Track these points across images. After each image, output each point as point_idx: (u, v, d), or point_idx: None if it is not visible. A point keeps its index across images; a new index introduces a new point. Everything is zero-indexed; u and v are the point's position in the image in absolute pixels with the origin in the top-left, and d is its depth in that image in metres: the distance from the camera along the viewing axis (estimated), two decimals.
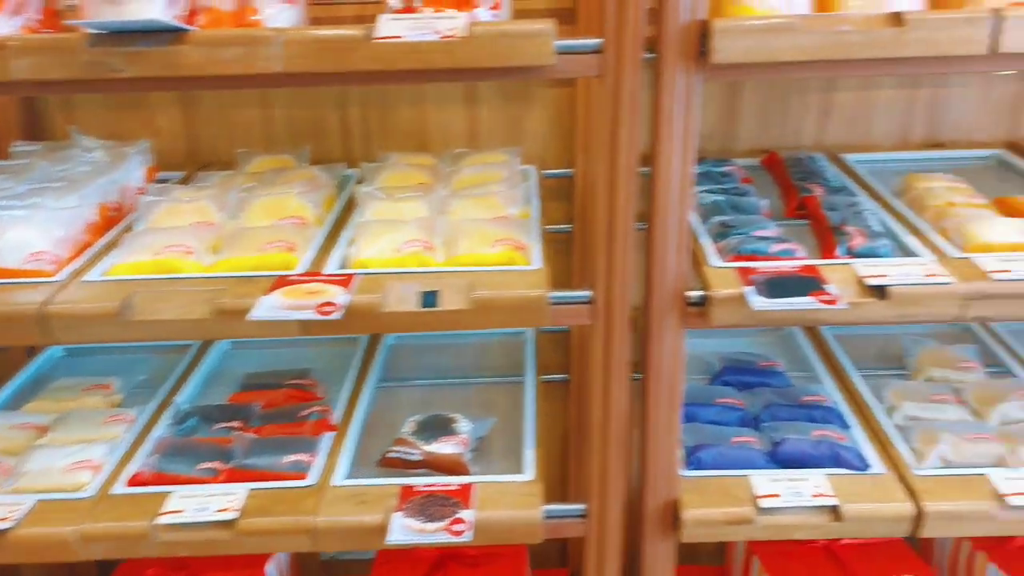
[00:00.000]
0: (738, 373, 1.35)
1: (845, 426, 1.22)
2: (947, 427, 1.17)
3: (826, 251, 1.07)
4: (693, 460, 1.14)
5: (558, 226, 1.50)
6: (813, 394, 1.27)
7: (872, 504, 1.07)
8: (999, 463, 1.12)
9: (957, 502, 1.06)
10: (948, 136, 1.48)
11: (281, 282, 0.98)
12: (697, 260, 1.07)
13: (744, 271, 1.01)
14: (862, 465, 1.13)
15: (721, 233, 1.11)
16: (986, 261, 1.00)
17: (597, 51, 0.91)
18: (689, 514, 1.08)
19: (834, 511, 1.07)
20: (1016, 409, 1.22)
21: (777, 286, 0.97)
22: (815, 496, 1.08)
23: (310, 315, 0.93)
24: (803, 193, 1.23)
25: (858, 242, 1.05)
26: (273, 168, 1.31)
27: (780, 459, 1.15)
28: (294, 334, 0.97)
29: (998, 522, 1.06)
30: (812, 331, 1.49)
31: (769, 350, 1.47)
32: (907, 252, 1.07)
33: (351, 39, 0.87)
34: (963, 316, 0.98)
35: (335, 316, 0.93)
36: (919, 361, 1.37)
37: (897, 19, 0.88)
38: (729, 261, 1.05)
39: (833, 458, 1.13)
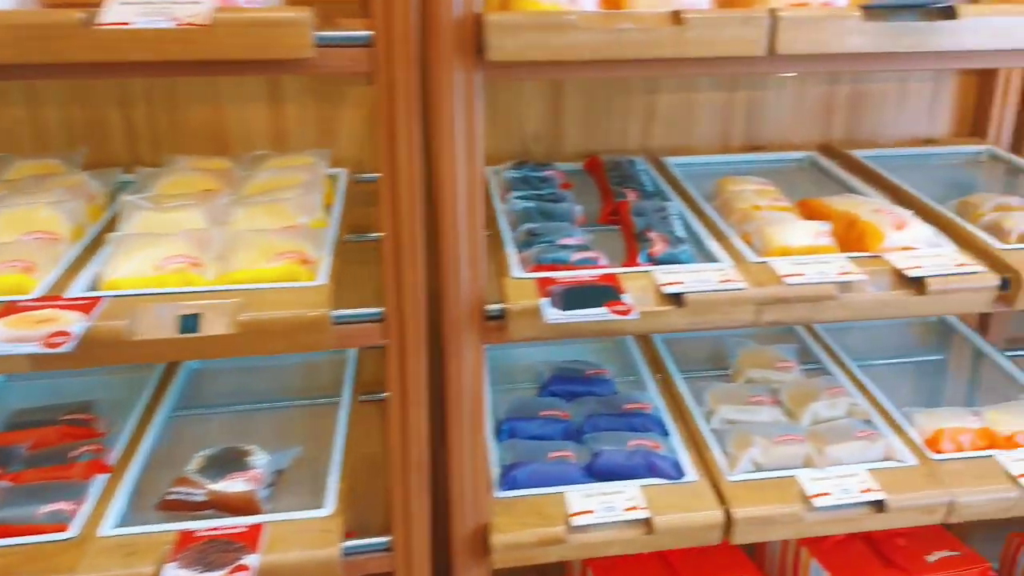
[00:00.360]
0: (565, 382, 1.31)
1: (665, 433, 1.20)
2: (759, 430, 1.17)
3: (630, 258, 1.04)
4: (508, 480, 1.08)
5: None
6: (636, 401, 1.25)
7: (683, 514, 1.04)
8: (807, 463, 1.13)
9: (765, 506, 1.06)
10: (767, 139, 1.51)
11: (8, 309, 0.84)
12: (501, 270, 1.01)
13: (543, 282, 0.96)
14: (677, 474, 1.10)
15: (527, 242, 1.05)
16: (781, 265, 1.00)
17: (366, 44, 0.83)
18: (499, 539, 1.01)
19: (647, 523, 1.04)
20: (825, 408, 1.24)
21: (574, 297, 0.92)
22: (628, 510, 1.04)
23: (35, 348, 0.80)
24: (618, 198, 1.20)
25: (659, 248, 1.02)
26: (36, 174, 1.14)
27: (596, 472, 1.11)
28: (25, 369, 0.83)
29: (805, 524, 1.07)
30: (643, 335, 1.48)
31: (603, 356, 1.44)
32: (709, 257, 1.05)
33: (66, 25, 0.75)
34: (758, 321, 0.97)
35: (67, 348, 0.80)
36: (740, 362, 1.38)
37: (677, 18, 0.84)
38: (531, 271, 1.00)
39: (648, 468, 1.10)
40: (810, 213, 1.17)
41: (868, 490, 1.08)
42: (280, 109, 1.34)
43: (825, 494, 1.07)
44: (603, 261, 1.01)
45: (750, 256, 1.04)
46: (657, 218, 1.10)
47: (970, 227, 1.11)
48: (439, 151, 0.88)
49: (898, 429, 1.20)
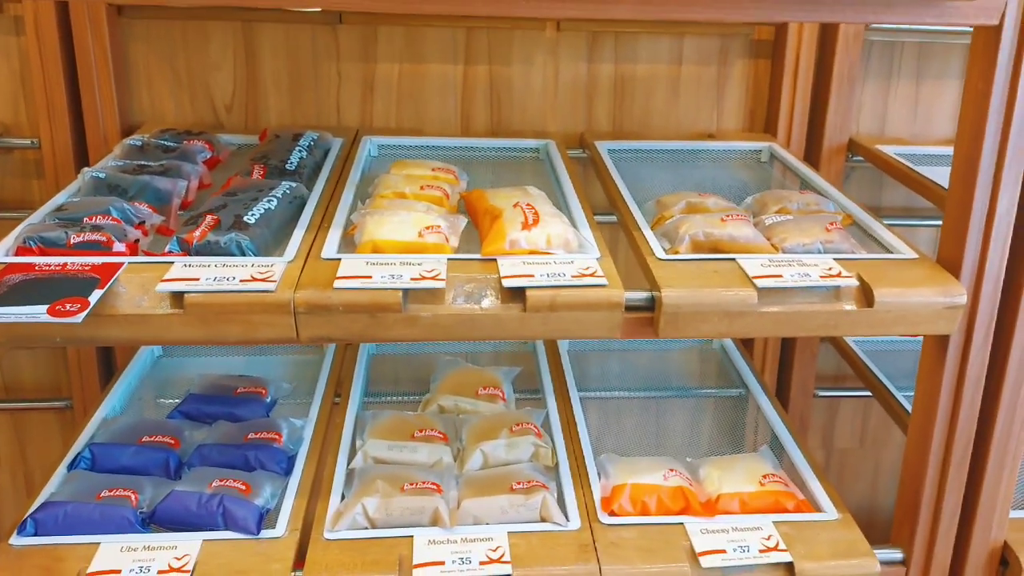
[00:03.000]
0: (205, 402, 1.08)
1: (288, 472, 0.96)
2: (394, 474, 0.93)
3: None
4: (24, 524, 0.85)
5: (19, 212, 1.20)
6: (269, 429, 1.01)
7: None
8: (435, 521, 0.89)
9: None
10: (517, 125, 1.27)
11: None
12: None
13: (10, 268, 0.73)
14: (255, 529, 0.87)
15: (49, 217, 0.82)
16: (347, 265, 0.76)
17: None
18: None
19: None
20: (502, 449, 1.00)
21: (25, 290, 0.69)
22: (167, 572, 0.81)
23: None
24: (245, 174, 0.97)
25: (200, 234, 0.79)
26: None
27: (158, 520, 0.87)
28: None
29: None
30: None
31: (299, 368, 1.21)
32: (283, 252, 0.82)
33: None
34: (300, 336, 0.74)
35: None
36: (440, 386, 1.14)
37: None
38: (17, 254, 0.76)
39: (224, 518, 0.87)
40: (469, 206, 0.94)
41: (494, 560, 0.84)
42: None
43: (436, 563, 0.84)
44: (118, 248, 0.77)
45: (329, 252, 0.80)
46: (245, 199, 0.87)
47: (647, 231, 0.88)
48: None
49: (582, 481, 0.96)
